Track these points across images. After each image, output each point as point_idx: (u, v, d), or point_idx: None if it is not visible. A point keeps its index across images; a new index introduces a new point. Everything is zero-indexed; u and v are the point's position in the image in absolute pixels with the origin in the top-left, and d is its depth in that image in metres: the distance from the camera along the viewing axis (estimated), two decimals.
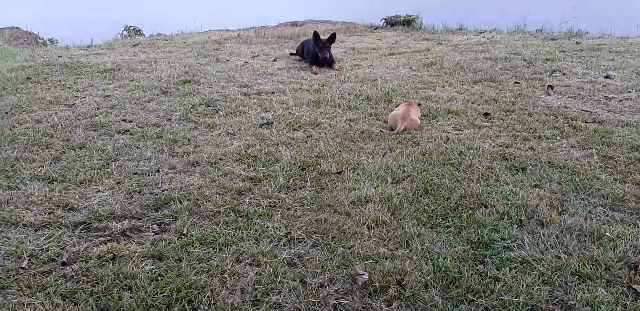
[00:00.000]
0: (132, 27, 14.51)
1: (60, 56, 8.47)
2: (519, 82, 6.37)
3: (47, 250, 2.76)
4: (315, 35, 7.48)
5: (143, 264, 2.64)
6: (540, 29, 11.10)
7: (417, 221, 3.11)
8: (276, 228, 3.03)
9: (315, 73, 7.17)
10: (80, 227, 3.01)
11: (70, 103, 5.63)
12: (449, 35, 10.84)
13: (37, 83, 6.58)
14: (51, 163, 4.01)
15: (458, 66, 7.37)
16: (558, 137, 4.52)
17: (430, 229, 3.02)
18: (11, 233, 2.95)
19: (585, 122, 4.89)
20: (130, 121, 5.05)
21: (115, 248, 2.78)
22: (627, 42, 8.94)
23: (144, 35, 14.35)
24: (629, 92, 5.88)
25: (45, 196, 3.41)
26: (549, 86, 6.04)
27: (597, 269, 2.60)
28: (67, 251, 2.74)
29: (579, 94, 5.83)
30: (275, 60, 8.24)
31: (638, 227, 3.01)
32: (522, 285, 2.47)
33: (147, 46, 9.69)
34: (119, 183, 3.66)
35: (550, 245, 2.83)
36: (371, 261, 2.68)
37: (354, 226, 3.04)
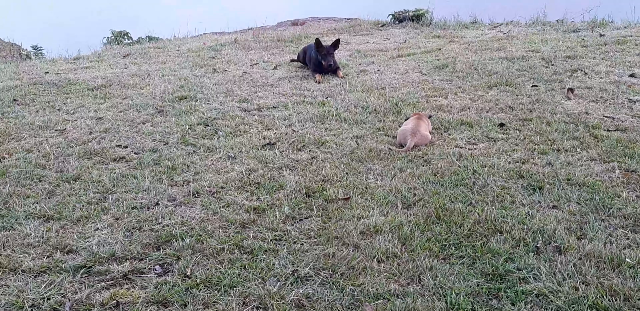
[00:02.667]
0: (119, 32, 14.81)
1: (47, 72, 8.71)
2: (537, 86, 6.50)
3: (49, 299, 2.95)
4: (318, 42, 7.65)
5: None
6: (561, 19, 11.19)
7: (429, 252, 3.26)
8: (283, 265, 3.20)
9: (319, 82, 7.34)
10: (81, 271, 3.20)
11: (61, 128, 5.85)
12: (462, 30, 10.97)
13: (24, 105, 6.81)
14: (46, 198, 4.21)
15: (472, 67, 7.51)
16: (578, 149, 4.65)
17: (442, 261, 3.18)
18: (10, 280, 3.14)
19: (608, 130, 5.02)
20: (126, 147, 5.24)
21: (118, 294, 2.96)
22: None
23: (132, 39, 14.65)
24: None
25: (43, 237, 3.60)
26: (569, 89, 6.16)
27: (615, 300, 2.74)
28: (69, 300, 2.93)
29: (601, 97, 5.95)
30: (275, 68, 8.43)
31: None
32: None
33: (138, 56, 9.92)
34: (117, 219, 3.84)
35: (567, 275, 2.97)
36: (382, 299, 2.84)
37: (364, 260, 3.21)
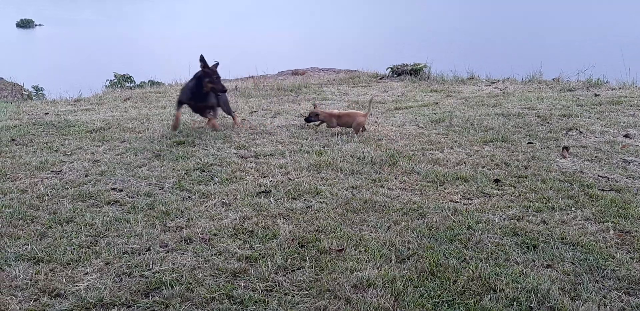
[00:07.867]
0: (122, 75, 15.09)
1: (47, 113, 8.82)
2: (532, 143, 6.61)
3: None
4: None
5: None
6: (556, 77, 11.48)
7: (421, 309, 3.25)
8: None
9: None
10: None
11: (57, 169, 5.88)
12: (459, 85, 11.23)
13: (22, 145, 6.86)
14: (37, 240, 4.20)
15: (468, 122, 7.65)
16: (572, 208, 4.70)
17: None
18: None
19: (602, 190, 5.08)
20: (121, 190, 5.26)
21: None
22: None
23: (135, 83, 14.91)
24: None
25: (31, 280, 3.58)
26: (564, 147, 6.27)
27: None
28: None
29: (596, 157, 6.05)
30: (274, 116, 8.56)
31: None
32: None
33: (139, 100, 10.08)
34: (107, 263, 3.83)
35: None
36: None
37: None
